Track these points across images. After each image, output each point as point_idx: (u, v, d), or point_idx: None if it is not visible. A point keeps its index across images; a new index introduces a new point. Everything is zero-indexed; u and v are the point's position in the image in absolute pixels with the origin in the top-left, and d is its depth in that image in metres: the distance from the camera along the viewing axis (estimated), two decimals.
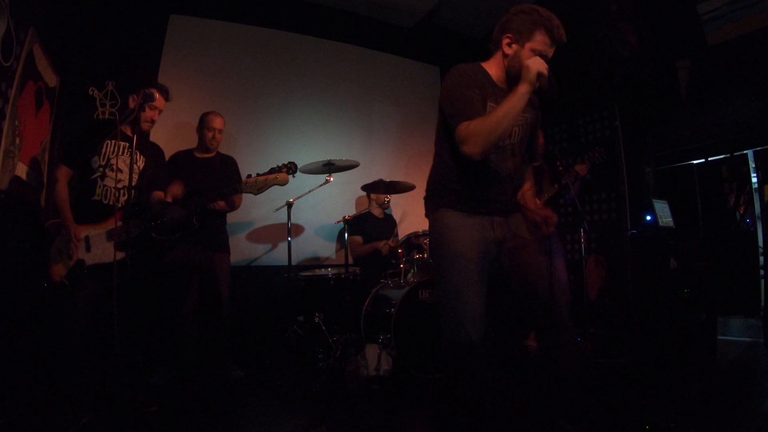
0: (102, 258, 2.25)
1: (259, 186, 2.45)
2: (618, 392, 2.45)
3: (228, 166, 3.20)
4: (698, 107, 3.69)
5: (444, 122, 1.74)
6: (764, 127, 3.65)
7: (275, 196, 3.46)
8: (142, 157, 2.48)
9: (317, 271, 3.39)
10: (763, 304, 3.97)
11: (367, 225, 3.88)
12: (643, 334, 3.02)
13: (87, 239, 2.25)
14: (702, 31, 3.41)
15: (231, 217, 3.81)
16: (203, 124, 3.13)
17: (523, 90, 1.55)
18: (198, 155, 3.15)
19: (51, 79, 2.99)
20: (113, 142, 2.37)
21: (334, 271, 3.33)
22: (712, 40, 3.41)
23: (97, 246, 2.25)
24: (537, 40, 1.66)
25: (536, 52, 1.65)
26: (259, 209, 3.91)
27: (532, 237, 1.79)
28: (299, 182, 3.32)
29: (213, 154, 3.19)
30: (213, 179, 3.01)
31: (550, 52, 1.70)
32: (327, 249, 4.30)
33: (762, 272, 4.07)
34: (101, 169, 2.33)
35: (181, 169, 3.03)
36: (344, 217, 3.34)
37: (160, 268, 2.95)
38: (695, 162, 4.55)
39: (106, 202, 2.33)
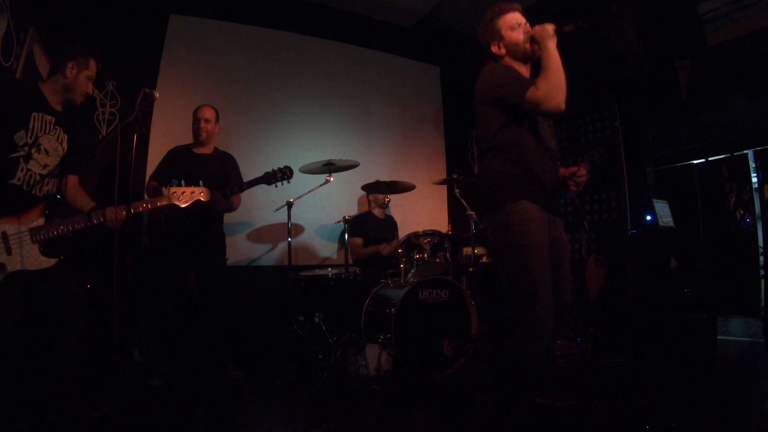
0: (27, 265, 1.85)
1: (186, 199, 2.30)
2: (618, 392, 2.45)
3: (226, 163, 3.18)
4: (698, 107, 3.69)
5: (500, 112, 1.87)
6: (764, 127, 3.64)
7: (275, 196, 3.46)
8: (65, 135, 2.08)
9: (317, 271, 3.39)
10: (763, 304, 3.97)
11: (368, 226, 3.87)
12: (643, 334, 3.02)
13: (5, 237, 1.82)
14: (702, 31, 3.41)
15: (231, 217, 3.82)
16: (193, 117, 3.11)
17: (551, 45, 1.76)
18: (195, 151, 3.12)
19: None
20: (40, 115, 1.97)
21: (334, 271, 3.33)
22: (712, 40, 3.41)
23: (20, 248, 1.85)
24: (505, 23, 1.92)
25: (513, 27, 1.91)
26: (259, 209, 3.91)
27: (567, 240, 2.04)
28: (299, 182, 3.33)
29: (210, 150, 3.15)
30: (209, 176, 2.99)
31: (522, 18, 1.94)
32: (327, 249, 4.30)
33: (762, 272, 4.07)
34: (27, 147, 1.91)
35: (178, 164, 3.03)
36: (344, 217, 3.33)
37: (156, 267, 2.95)
38: (695, 162, 4.55)
39: (28, 189, 1.93)
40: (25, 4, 2.50)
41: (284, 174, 2.94)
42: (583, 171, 2.07)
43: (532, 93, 1.73)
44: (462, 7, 4.53)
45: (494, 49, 1.96)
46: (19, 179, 1.91)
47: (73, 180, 2.19)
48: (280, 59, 4.28)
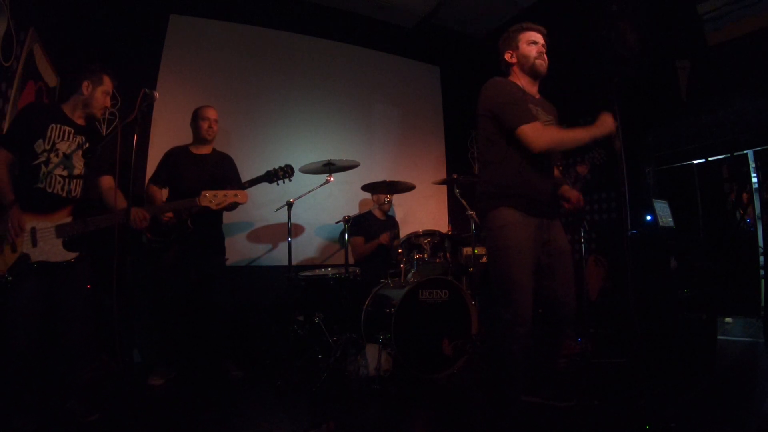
0: (50, 256, 2.06)
1: (218, 201, 2.39)
2: (618, 392, 2.45)
3: (224, 164, 3.17)
4: (698, 107, 3.68)
5: (495, 125, 2.02)
6: (764, 127, 3.64)
7: (275, 196, 3.47)
8: (86, 143, 2.27)
9: (317, 271, 3.39)
10: (763, 304, 3.96)
11: (369, 225, 3.87)
12: (643, 334, 3.02)
13: (33, 231, 2.04)
14: (702, 31, 3.41)
15: (231, 217, 3.82)
16: (197, 117, 3.10)
17: (595, 132, 1.94)
18: (194, 151, 3.11)
19: (51, 79, 2.99)
20: (58, 126, 2.18)
21: (334, 271, 3.33)
22: (712, 40, 3.41)
23: (45, 241, 2.06)
24: (524, 38, 2.08)
25: (530, 42, 2.07)
26: (259, 209, 3.91)
27: (567, 246, 2.13)
28: (299, 182, 3.33)
29: (209, 151, 3.15)
30: (205, 176, 2.99)
31: (542, 39, 2.10)
32: (327, 249, 4.30)
33: (762, 272, 4.07)
34: (45, 153, 2.11)
35: (177, 165, 3.03)
36: (344, 217, 3.34)
37: (155, 269, 2.95)
38: (695, 162, 4.55)
39: (50, 190, 2.12)
40: (25, 4, 2.50)
41: (285, 172, 2.96)
42: (576, 195, 2.18)
43: (531, 130, 1.90)
44: (462, 7, 4.53)
45: (507, 56, 2.12)
46: (41, 182, 2.11)
47: (108, 181, 2.34)
48: (280, 59, 4.28)
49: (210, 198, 2.38)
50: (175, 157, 3.08)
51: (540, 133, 1.91)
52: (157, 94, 2.02)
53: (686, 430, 1.91)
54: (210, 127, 3.08)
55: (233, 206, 2.83)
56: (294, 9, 4.37)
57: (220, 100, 3.94)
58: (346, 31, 4.61)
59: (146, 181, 3.21)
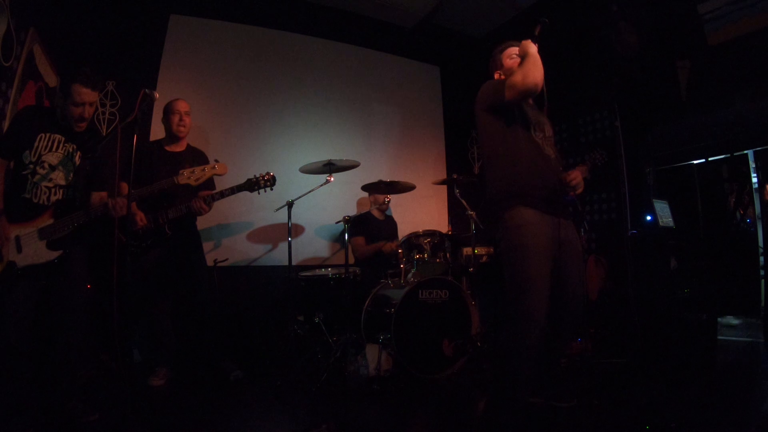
0: (35, 259, 2.08)
1: (197, 177, 2.37)
2: (618, 392, 2.45)
3: (200, 161, 3.00)
4: (698, 107, 3.68)
5: (494, 119, 2.07)
6: (764, 127, 3.64)
7: (275, 196, 3.46)
8: (78, 153, 2.23)
9: (317, 271, 3.39)
10: (763, 304, 3.96)
11: (369, 226, 3.87)
12: (643, 334, 3.02)
13: (17, 239, 2.06)
14: (702, 31, 3.41)
15: (232, 218, 3.83)
16: (168, 111, 2.98)
17: (532, 50, 1.98)
18: (167, 148, 3.00)
19: (51, 79, 2.99)
20: (47, 135, 2.13)
21: (334, 271, 3.33)
22: (712, 40, 3.41)
23: (29, 246, 2.08)
24: (506, 55, 2.23)
25: (512, 57, 2.20)
26: (259, 209, 3.91)
27: (581, 248, 2.16)
28: (299, 182, 3.33)
29: (183, 147, 3.03)
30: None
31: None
32: (327, 249, 4.30)
33: (762, 272, 4.07)
34: (32, 165, 2.11)
35: (149, 164, 2.90)
36: (344, 217, 3.34)
37: (135, 272, 2.91)
38: (695, 162, 4.55)
39: (36, 200, 2.12)
40: (25, 4, 2.50)
41: (266, 182, 2.81)
42: (575, 174, 2.15)
43: (509, 80, 1.95)
44: (462, 7, 4.54)
45: (496, 76, 2.25)
46: (28, 192, 2.12)
47: (98, 196, 2.32)
48: (280, 59, 4.28)
49: (187, 175, 2.36)
50: (148, 155, 2.94)
51: (524, 73, 1.92)
52: (157, 94, 2.01)
53: (686, 430, 1.91)
54: (181, 119, 2.94)
55: (211, 194, 2.76)
56: (294, 9, 4.37)
57: (220, 100, 3.95)
58: (346, 31, 4.61)
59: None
